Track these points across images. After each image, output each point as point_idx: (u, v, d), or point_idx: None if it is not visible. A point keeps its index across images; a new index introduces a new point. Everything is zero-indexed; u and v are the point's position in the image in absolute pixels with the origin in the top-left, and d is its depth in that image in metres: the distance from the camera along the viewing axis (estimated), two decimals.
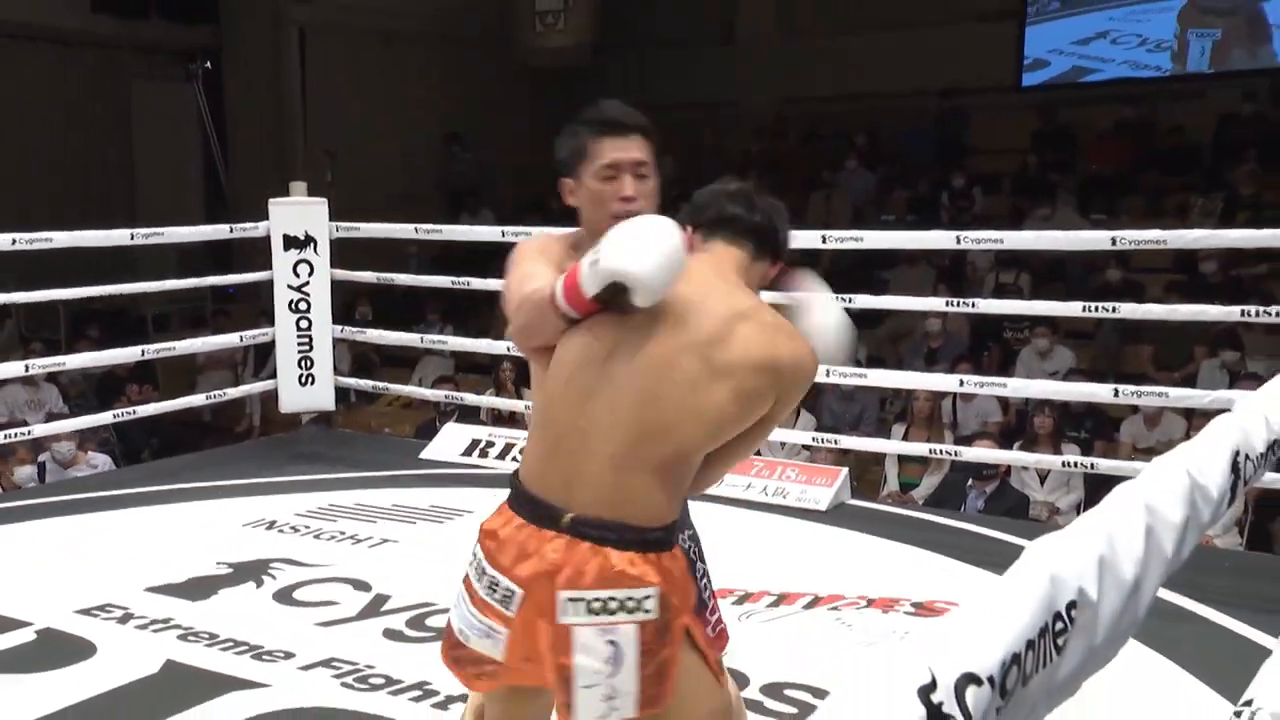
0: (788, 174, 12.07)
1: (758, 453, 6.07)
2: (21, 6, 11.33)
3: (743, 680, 3.17)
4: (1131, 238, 4.81)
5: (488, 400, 6.69)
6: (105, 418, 6.01)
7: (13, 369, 5.74)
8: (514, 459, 5.60)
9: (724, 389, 1.75)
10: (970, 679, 0.90)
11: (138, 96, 12.60)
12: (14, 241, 4.95)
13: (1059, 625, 1.03)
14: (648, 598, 1.71)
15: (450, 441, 5.86)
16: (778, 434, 6.12)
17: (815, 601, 3.82)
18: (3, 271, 6.74)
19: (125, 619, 3.61)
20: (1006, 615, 0.98)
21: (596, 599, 1.70)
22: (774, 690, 3.13)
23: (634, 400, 1.76)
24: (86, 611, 3.65)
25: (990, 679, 0.92)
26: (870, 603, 3.81)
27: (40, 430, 5.77)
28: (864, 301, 5.25)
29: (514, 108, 14.24)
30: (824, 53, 13.05)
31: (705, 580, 2.30)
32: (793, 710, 3.05)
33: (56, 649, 3.37)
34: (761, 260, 1.98)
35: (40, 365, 5.81)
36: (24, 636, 3.47)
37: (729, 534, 4.61)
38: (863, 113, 12.63)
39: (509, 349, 6.53)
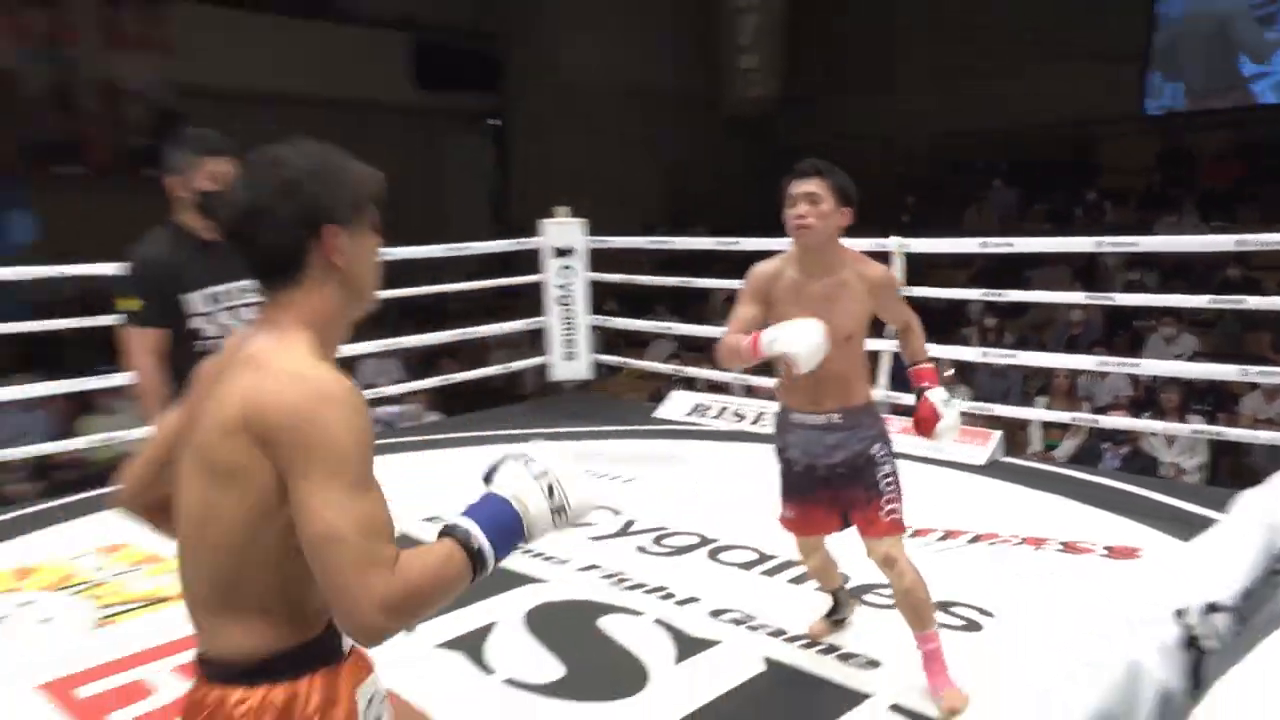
0: (940, 195, 11.55)
1: None
2: (370, 87, 12.27)
3: None
4: (1256, 240, 4.38)
5: (706, 372, 6.73)
6: (433, 381, 6.39)
7: (368, 347, 6.17)
8: (726, 419, 5.63)
9: None
10: (1214, 607, 0.88)
11: (449, 147, 13.37)
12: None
13: (1277, 565, 0.98)
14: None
15: (677, 405, 5.94)
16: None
17: (976, 538, 3.68)
18: None
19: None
20: (1238, 554, 0.94)
21: None
22: (944, 606, 3.03)
23: None
24: (429, 519, 3.87)
25: (1230, 607, 0.89)
26: (1022, 540, 3.63)
27: (393, 390, 6.22)
28: (1014, 295, 4.98)
29: (719, 147, 14.26)
30: (971, 92, 12.38)
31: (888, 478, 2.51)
32: (960, 622, 2.96)
33: (410, 545, 3.62)
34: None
35: (386, 344, 6.22)
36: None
37: (903, 482, 4.51)
38: (1005, 141, 11.93)
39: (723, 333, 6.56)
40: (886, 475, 2.47)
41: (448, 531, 1.13)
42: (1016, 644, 2.79)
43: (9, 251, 11.41)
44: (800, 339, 2.17)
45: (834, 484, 2.50)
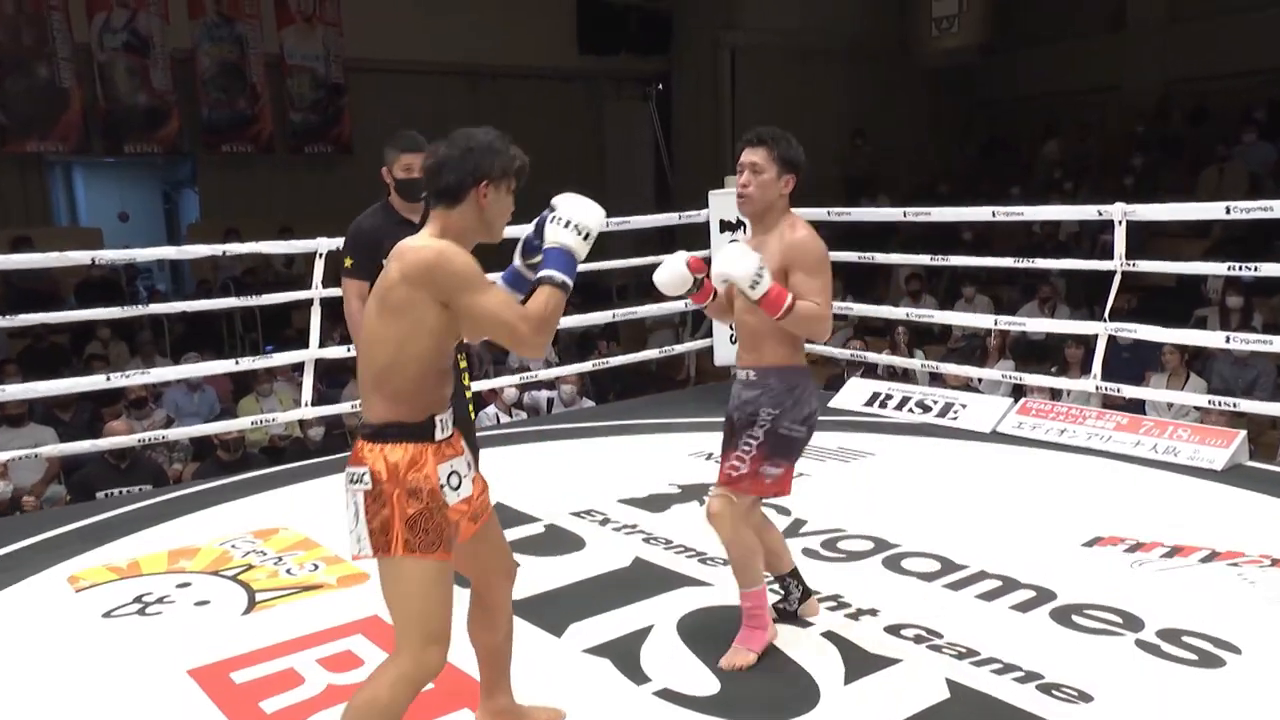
0: (1175, 152, 10.62)
1: (1141, 410, 5.43)
2: (531, 53, 12.58)
3: (1137, 623, 2.85)
4: None
5: (887, 358, 6.49)
6: (585, 366, 6.48)
7: None
8: (909, 410, 5.41)
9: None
10: None
11: (609, 115, 13.54)
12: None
13: None
14: (365, 474, 1.97)
15: (854, 393, 5.75)
16: (1165, 395, 5.43)
17: (1212, 556, 3.34)
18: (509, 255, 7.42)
19: (604, 522, 3.87)
20: None
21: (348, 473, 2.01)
22: (1172, 635, 2.78)
23: None
24: (577, 514, 3.95)
25: None
26: (1274, 562, 3.26)
27: (545, 373, 6.35)
28: (1269, 269, 4.47)
29: (908, 106, 13.72)
30: (1213, 32, 11.31)
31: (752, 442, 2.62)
32: (1192, 656, 2.69)
33: (557, 540, 3.68)
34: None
35: None
36: (536, 529, 3.82)
37: (1116, 486, 4.17)
38: (1259, 86, 10.82)
39: (908, 315, 6.30)
40: (752, 439, 2.61)
41: (542, 281, 2.01)
42: (1274, 688, 2.51)
43: (177, 231, 12.53)
44: (727, 257, 2.47)
45: (736, 435, 2.68)
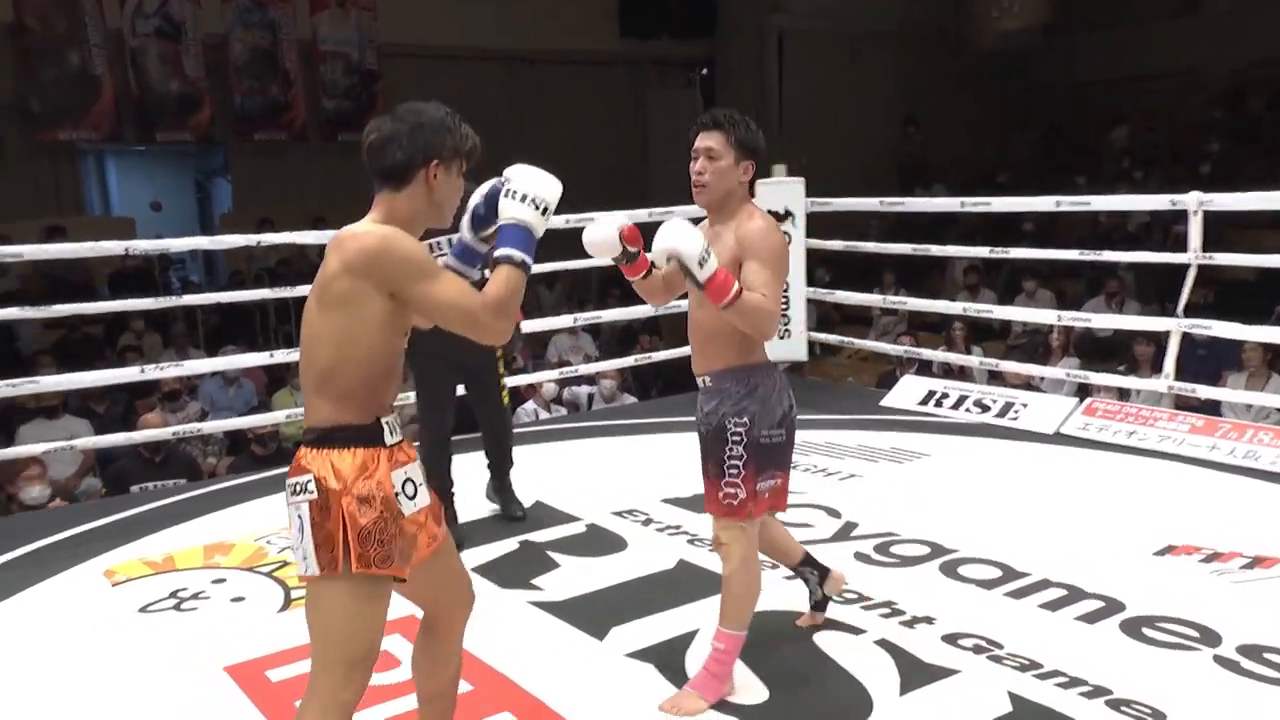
0: (1253, 139, 10.39)
1: (1217, 412, 5.32)
2: (570, 37, 12.60)
3: (1215, 638, 2.80)
4: None
5: (943, 355, 6.42)
6: (626, 361, 6.48)
7: (561, 321, 6.37)
8: (967, 410, 5.35)
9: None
10: None
11: (651, 101, 13.53)
12: (566, 221, 5.43)
13: None
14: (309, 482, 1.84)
15: (908, 391, 5.70)
16: (1245, 395, 5.32)
17: None
18: (551, 246, 7.45)
19: (647, 522, 3.87)
20: None
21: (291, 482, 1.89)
22: (1253, 652, 2.72)
23: None
24: (619, 513, 3.96)
25: None
26: None
27: (586, 368, 6.37)
28: None
29: (962, 92, 13.57)
30: None
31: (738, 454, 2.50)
32: (1276, 675, 2.62)
33: (600, 540, 3.68)
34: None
35: (581, 319, 6.39)
36: (578, 529, 3.84)
37: (1191, 492, 4.09)
38: None
39: (965, 310, 6.22)
40: (733, 457, 2.49)
41: (499, 261, 1.90)
42: None
43: (210, 220, 12.74)
44: (674, 232, 2.32)
45: (703, 458, 2.58)
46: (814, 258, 6.24)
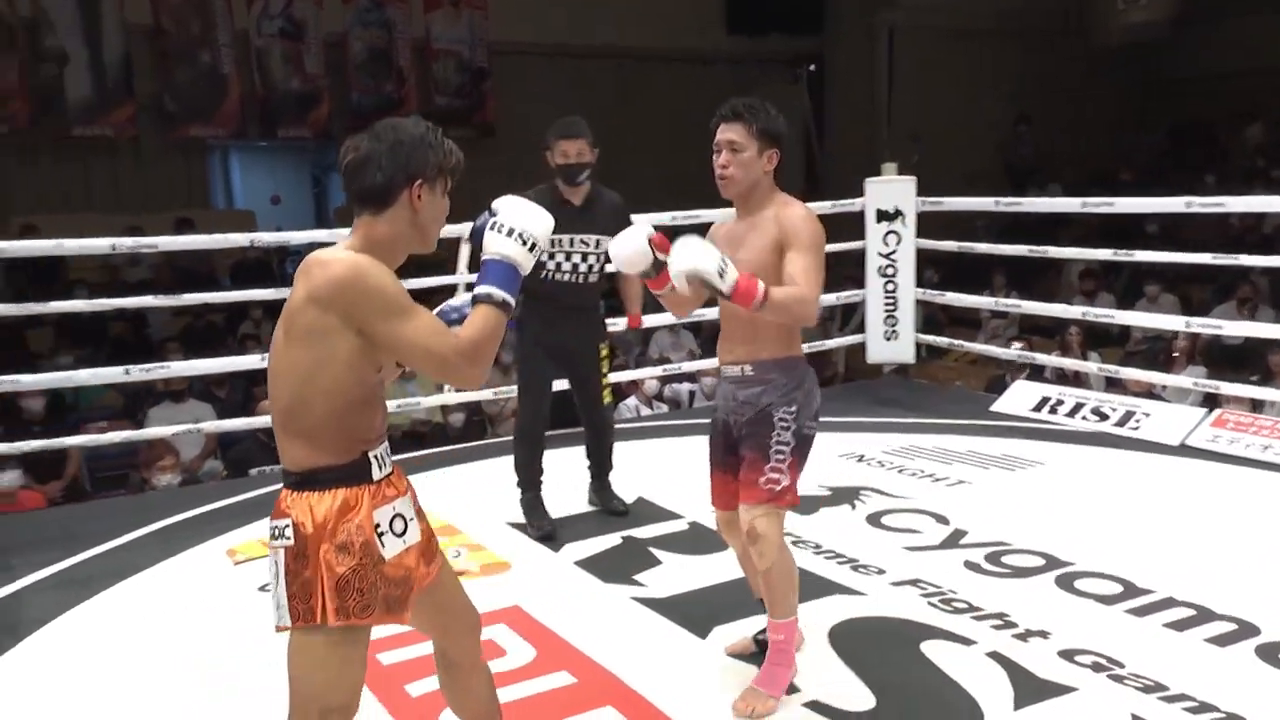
0: None
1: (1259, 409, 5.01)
2: (677, 34, 12.60)
3: None
4: None
5: (1058, 360, 6.19)
6: None
7: (663, 319, 6.33)
8: (1083, 418, 5.14)
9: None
10: None
11: (757, 98, 13.41)
12: (673, 219, 5.43)
13: None
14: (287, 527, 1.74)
15: (1021, 397, 5.52)
16: None
17: None
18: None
19: None
20: None
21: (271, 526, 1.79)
22: None
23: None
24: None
25: None
26: None
27: (689, 365, 6.35)
28: None
29: (1079, 88, 13.09)
30: None
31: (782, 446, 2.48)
32: None
33: (701, 539, 3.66)
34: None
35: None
36: (680, 526, 3.83)
37: (1251, 497, 3.88)
38: None
39: (1084, 314, 5.98)
40: (781, 442, 2.46)
41: (478, 299, 1.77)
42: None
43: (325, 213, 13.15)
44: (688, 252, 2.27)
45: (740, 446, 2.52)
46: (922, 258, 6.09)
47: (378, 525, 1.76)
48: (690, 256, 2.27)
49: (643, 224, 2.60)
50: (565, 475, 4.23)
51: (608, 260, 3.73)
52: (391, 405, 5.45)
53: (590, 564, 3.49)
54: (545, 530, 3.75)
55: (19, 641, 3.04)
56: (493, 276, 1.78)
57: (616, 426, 4.65)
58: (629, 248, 2.47)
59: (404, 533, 1.81)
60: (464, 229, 1.89)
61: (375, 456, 1.78)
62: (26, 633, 3.09)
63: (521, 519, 3.86)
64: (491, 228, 1.82)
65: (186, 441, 5.89)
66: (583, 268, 3.70)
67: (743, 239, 2.51)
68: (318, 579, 1.71)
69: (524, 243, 1.80)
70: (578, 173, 3.59)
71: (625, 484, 4.07)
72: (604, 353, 3.92)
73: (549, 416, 3.93)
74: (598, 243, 3.66)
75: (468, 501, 3.91)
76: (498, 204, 1.86)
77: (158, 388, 6.56)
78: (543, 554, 3.61)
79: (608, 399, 3.98)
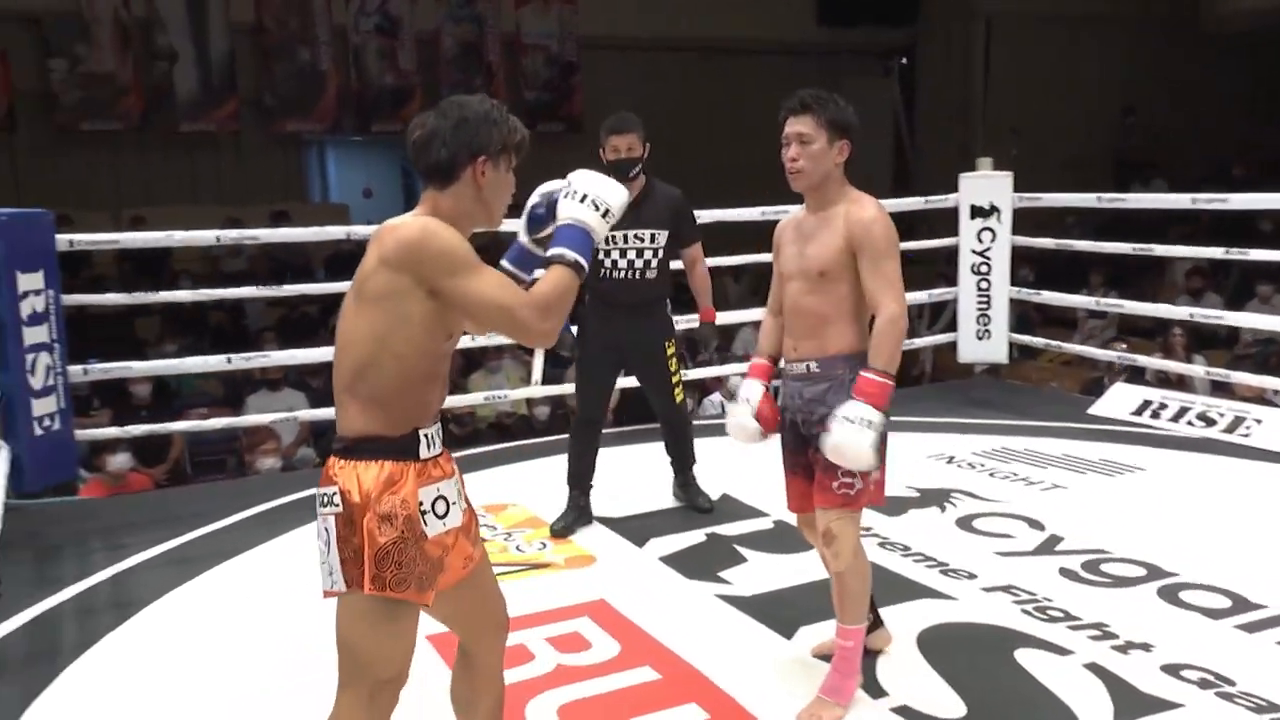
0: None
1: None
2: (767, 26, 12.50)
3: None
4: None
5: (1160, 362, 5.97)
6: None
7: (748, 315, 6.27)
8: (1188, 423, 4.94)
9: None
10: None
11: (846, 91, 13.21)
12: (762, 214, 5.38)
13: None
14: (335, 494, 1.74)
15: (1120, 400, 5.33)
16: None
17: None
18: (737, 238, 7.39)
19: None
20: None
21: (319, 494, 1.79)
22: None
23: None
24: None
25: None
26: None
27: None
28: None
29: (1193, 80, 12.56)
30: None
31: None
32: None
33: (787, 538, 3.59)
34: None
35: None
36: (765, 524, 3.79)
37: None
38: None
39: (1191, 315, 5.75)
40: None
41: (551, 260, 1.80)
42: None
43: (414, 206, 13.39)
44: (846, 449, 2.27)
45: (812, 445, 2.44)
46: (1015, 255, 5.92)
47: (421, 503, 1.76)
48: (852, 454, 2.26)
49: (744, 401, 2.60)
50: (649, 470, 4.23)
51: (666, 254, 3.71)
52: (479, 397, 5.57)
53: (674, 560, 3.48)
54: (556, 526, 3.73)
55: (131, 617, 3.17)
56: (566, 239, 1.81)
57: (700, 422, 4.63)
58: (742, 434, 2.60)
59: (445, 515, 1.81)
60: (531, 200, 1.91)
61: (426, 435, 1.79)
62: (137, 609, 3.22)
63: (604, 513, 3.87)
64: (565, 195, 1.85)
65: (282, 428, 6.07)
66: (638, 264, 3.67)
67: (812, 234, 2.45)
68: (364, 547, 1.72)
69: (598, 209, 1.83)
70: (629, 167, 3.57)
71: (709, 481, 4.05)
72: (670, 349, 3.83)
73: (602, 418, 3.88)
74: (653, 237, 3.64)
75: (552, 494, 3.93)
76: (573, 175, 1.88)
77: (255, 376, 6.77)
78: (627, 549, 3.62)
79: (679, 396, 3.88)
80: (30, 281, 4.05)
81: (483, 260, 1.77)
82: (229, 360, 4.80)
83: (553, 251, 1.81)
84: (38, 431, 4.08)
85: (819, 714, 2.44)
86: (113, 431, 4.77)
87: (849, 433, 2.25)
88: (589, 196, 1.83)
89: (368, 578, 1.71)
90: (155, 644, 3.00)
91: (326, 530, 1.75)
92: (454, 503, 1.84)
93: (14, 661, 2.91)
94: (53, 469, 4.25)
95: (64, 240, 4.30)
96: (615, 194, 1.85)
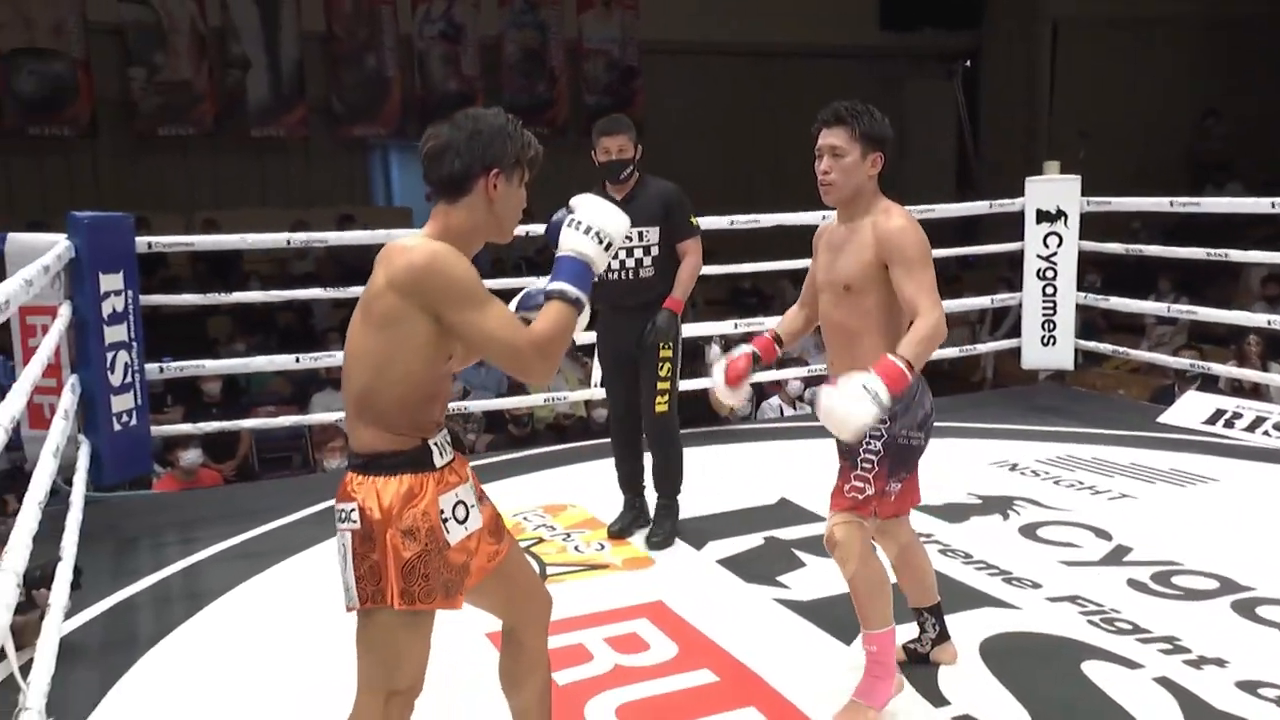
0: None
1: None
2: (828, 31, 12.42)
3: None
4: None
5: (1234, 370, 5.79)
6: None
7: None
8: (1264, 433, 4.79)
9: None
10: None
11: (909, 95, 13.09)
12: (824, 218, 5.34)
13: None
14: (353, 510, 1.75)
15: (1191, 408, 5.18)
16: None
17: None
18: (794, 242, 7.34)
19: None
20: None
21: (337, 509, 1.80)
22: None
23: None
24: None
25: None
26: None
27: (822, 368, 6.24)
28: None
29: (1269, 80, 12.18)
30: None
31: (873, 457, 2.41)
32: None
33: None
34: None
35: None
36: (823, 529, 3.66)
37: None
38: None
39: (1269, 322, 5.57)
40: (870, 451, 2.39)
41: (551, 295, 1.78)
42: None
43: None
44: (839, 417, 2.19)
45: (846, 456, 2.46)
46: (1082, 260, 5.79)
47: (441, 511, 1.77)
48: (846, 422, 2.16)
49: (718, 368, 2.65)
50: (707, 473, 4.21)
51: (663, 252, 3.61)
52: (538, 398, 5.60)
53: (732, 563, 3.47)
54: (614, 528, 3.73)
55: (203, 608, 3.25)
56: (566, 273, 1.79)
57: (759, 426, 4.60)
58: (725, 396, 2.67)
59: (466, 519, 1.82)
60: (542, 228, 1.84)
61: (435, 444, 1.80)
62: (207, 601, 3.30)
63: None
64: (569, 225, 1.81)
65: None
66: (630, 263, 3.59)
67: (842, 246, 2.43)
68: (385, 562, 1.73)
69: (600, 241, 1.80)
70: (620, 169, 3.54)
71: (768, 484, 4.02)
72: (664, 352, 3.63)
73: (632, 423, 3.75)
74: (641, 235, 3.55)
75: (609, 496, 3.94)
76: (575, 201, 1.86)
77: (321, 375, 6.89)
78: (685, 551, 3.61)
79: (663, 406, 3.63)
80: (111, 282, 4.17)
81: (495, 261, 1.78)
82: (297, 359, 4.89)
83: (552, 286, 1.78)
84: (116, 427, 4.20)
85: (853, 717, 2.42)
86: (185, 428, 4.89)
87: (849, 397, 2.15)
88: (593, 229, 1.80)
89: (396, 592, 1.73)
90: (226, 635, 3.07)
91: (344, 546, 1.77)
92: (472, 505, 1.85)
93: (93, 649, 3.00)
94: (130, 464, 4.37)
95: (143, 243, 4.42)
96: (618, 225, 1.83)
